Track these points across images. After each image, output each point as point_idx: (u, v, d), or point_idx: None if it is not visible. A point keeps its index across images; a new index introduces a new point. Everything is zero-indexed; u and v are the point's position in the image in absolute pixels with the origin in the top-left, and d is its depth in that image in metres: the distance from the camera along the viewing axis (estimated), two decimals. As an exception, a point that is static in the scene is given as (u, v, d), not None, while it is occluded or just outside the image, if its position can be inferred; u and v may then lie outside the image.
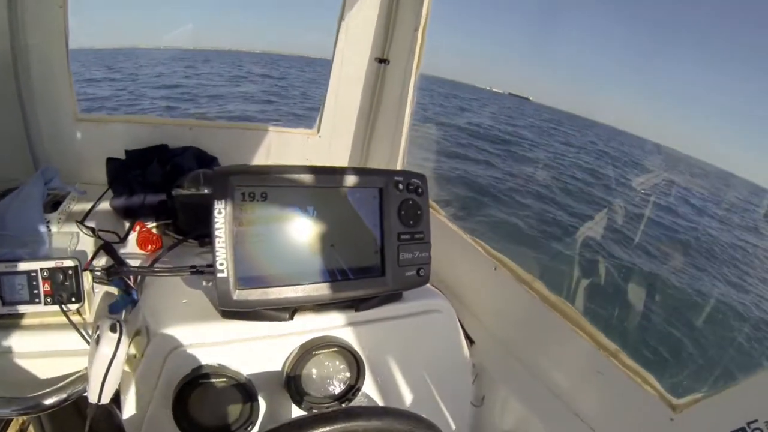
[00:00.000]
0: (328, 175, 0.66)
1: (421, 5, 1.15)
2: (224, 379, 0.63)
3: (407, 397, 0.81)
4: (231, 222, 0.59)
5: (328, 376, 0.71)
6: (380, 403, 0.78)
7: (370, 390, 0.77)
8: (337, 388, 0.72)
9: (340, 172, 0.67)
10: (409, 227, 0.70)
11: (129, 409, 0.63)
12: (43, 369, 0.75)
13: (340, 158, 1.52)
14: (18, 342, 0.74)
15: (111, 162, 1.21)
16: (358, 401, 0.72)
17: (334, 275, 0.66)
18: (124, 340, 0.63)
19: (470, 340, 0.95)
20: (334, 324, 0.72)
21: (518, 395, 0.85)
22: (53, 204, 1.05)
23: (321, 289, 0.65)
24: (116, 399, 0.69)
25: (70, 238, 1.01)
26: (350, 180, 0.67)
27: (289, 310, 0.67)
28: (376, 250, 0.69)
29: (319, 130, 1.50)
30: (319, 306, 0.71)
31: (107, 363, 0.61)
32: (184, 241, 0.95)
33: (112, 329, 0.63)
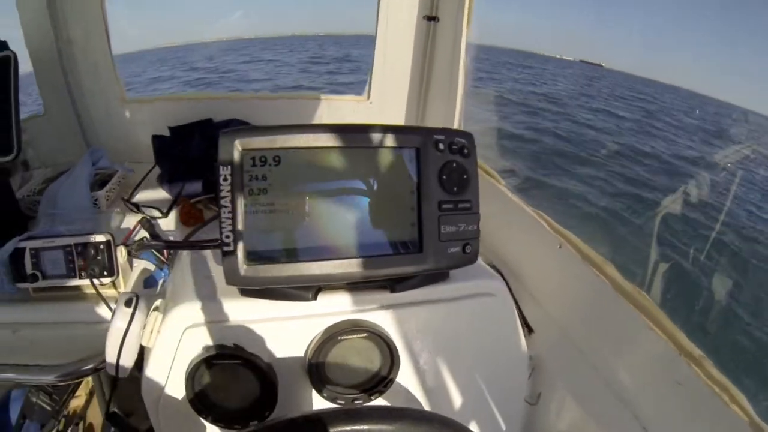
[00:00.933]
0: (352, 134, 0.55)
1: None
2: (240, 361, 0.57)
3: (450, 393, 0.71)
4: (238, 190, 0.52)
5: (356, 365, 0.62)
6: (417, 399, 0.68)
7: (405, 382, 0.67)
8: (366, 379, 0.63)
9: (368, 130, 0.56)
10: (453, 194, 0.58)
11: (147, 384, 0.60)
12: (81, 338, 0.76)
13: (394, 122, 1.42)
14: (58, 313, 0.75)
15: (156, 139, 1.21)
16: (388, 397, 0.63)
17: (361, 250, 0.56)
18: (139, 315, 0.59)
19: (529, 329, 0.81)
20: (365, 306, 0.62)
21: (579, 397, 0.70)
22: (101, 183, 1.07)
23: (345, 267, 0.55)
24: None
25: (115, 215, 1.03)
26: (380, 139, 0.56)
27: (311, 289, 0.59)
28: (412, 221, 0.57)
29: (369, 96, 1.40)
30: (347, 286, 0.62)
31: (121, 337, 0.57)
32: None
33: (127, 304, 0.59)
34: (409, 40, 1.26)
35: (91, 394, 1.44)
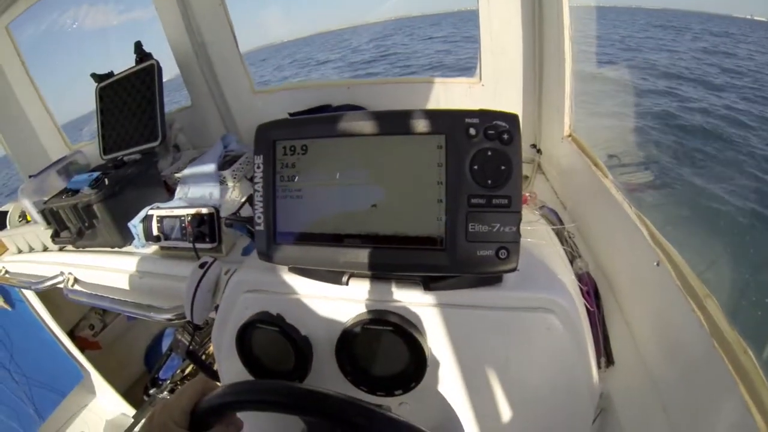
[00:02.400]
0: (377, 121, 0.53)
1: None
2: (278, 328, 0.63)
3: (486, 420, 0.63)
4: (270, 176, 0.56)
5: (382, 357, 0.61)
6: (447, 411, 0.63)
7: (434, 389, 0.63)
8: (392, 373, 0.61)
9: (393, 116, 0.53)
10: (486, 188, 0.51)
11: (215, 333, 0.71)
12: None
13: (509, 106, 1.31)
14: (171, 268, 0.94)
15: (277, 124, 1.37)
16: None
17: (383, 241, 0.55)
18: (210, 276, 0.70)
19: (609, 359, 0.67)
20: (397, 299, 0.60)
21: None
22: (230, 162, 1.27)
23: (364, 255, 0.55)
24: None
25: (235, 191, 1.21)
26: (406, 126, 0.52)
27: (342, 274, 0.60)
28: (438, 216, 0.53)
29: (481, 78, 1.32)
30: (380, 277, 0.61)
31: (193, 291, 0.69)
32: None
33: (201, 266, 0.70)
34: (516, 10, 1.13)
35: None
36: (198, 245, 0.92)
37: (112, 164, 1.27)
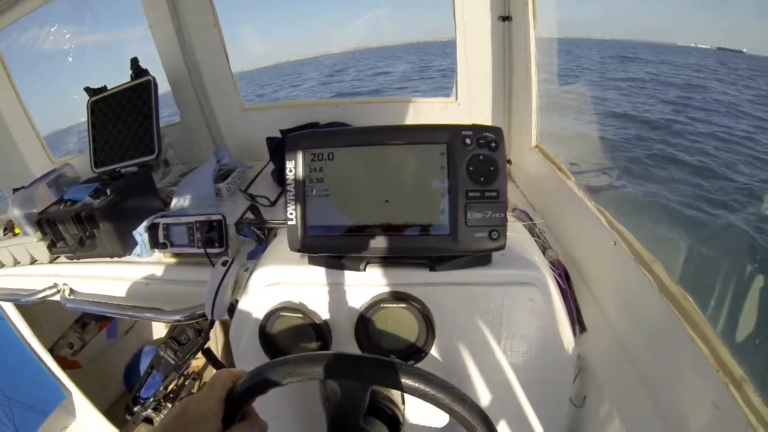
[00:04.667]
0: (392, 133, 0.66)
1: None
2: (301, 315, 0.72)
3: (486, 378, 0.75)
4: (301, 179, 0.66)
5: (396, 332, 0.72)
6: (452, 375, 0.74)
7: (441, 357, 0.74)
8: (405, 346, 0.72)
9: (404, 129, 0.66)
10: (480, 184, 0.64)
11: (234, 328, 0.78)
12: (193, 294, 0.99)
13: (482, 121, 1.46)
14: (179, 273, 1.00)
15: (269, 140, 1.46)
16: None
17: (398, 230, 0.66)
18: (232, 273, 0.78)
19: (581, 327, 0.80)
20: (408, 281, 0.72)
21: (621, 408, 0.68)
22: (224, 176, 1.35)
23: (383, 242, 0.66)
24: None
25: (232, 202, 1.29)
26: (414, 137, 0.65)
27: (361, 260, 0.71)
28: (443, 208, 0.65)
29: (457, 98, 1.48)
30: (392, 262, 0.72)
31: (216, 287, 0.76)
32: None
33: (223, 264, 0.78)
34: (487, 41, 1.30)
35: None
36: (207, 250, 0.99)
37: (108, 176, 1.31)
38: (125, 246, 1.15)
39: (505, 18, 1.23)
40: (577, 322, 0.81)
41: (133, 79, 1.38)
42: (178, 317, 0.93)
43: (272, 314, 0.74)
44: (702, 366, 0.56)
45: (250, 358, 0.79)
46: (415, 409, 0.79)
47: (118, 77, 1.45)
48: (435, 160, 0.65)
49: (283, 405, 0.84)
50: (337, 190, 0.67)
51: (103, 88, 1.44)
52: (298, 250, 0.69)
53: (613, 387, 0.72)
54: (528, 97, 1.16)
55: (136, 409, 1.79)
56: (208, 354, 1.06)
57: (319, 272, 0.74)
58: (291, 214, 0.67)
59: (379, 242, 0.66)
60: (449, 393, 0.51)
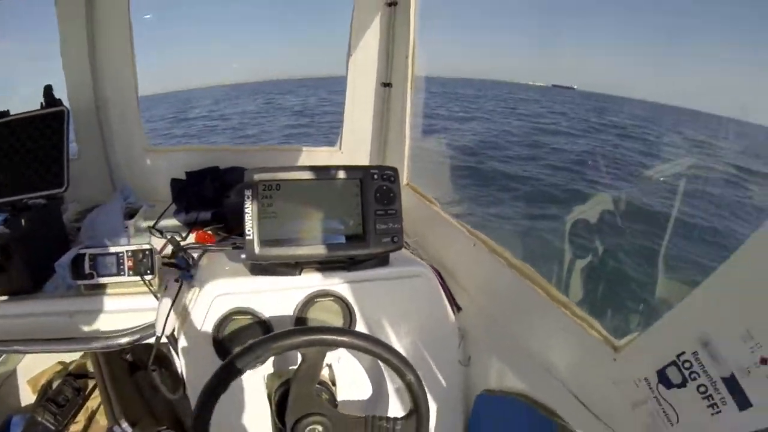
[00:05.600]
0: (323, 170, 0.93)
1: (409, 36, 1.42)
2: (250, 317, 0.89)
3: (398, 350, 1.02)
4: (256, 203, 0.87)
5: (327, 320, 0.95)
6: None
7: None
8: (334, 329, 0.95)
9: (331, 168, 0.94)
10: (384, 205, 0.94)
11: (182, 343, 0.91)
12: (121, 322, 1.01)
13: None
14: (105, 303, 1.01)
15: (174, 182, 1.55)
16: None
17: (328, 240, 0.91)
18: (184, 288, 0.91)
19: (457, 307, 1.14)
20: (333, 281, 0.96)
21: (499, 355, 0.98)
22: (130, 215, 1.38)
23: (318, 249, 0.91)
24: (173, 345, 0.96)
25: (143, 237, 1.34)
26: (339, 173, 0.93)
27: (298, 267, 0.93)
28: (359, 222, 0.93)
29: (341, 148, 1.77)
30: (321, 266, 0.96)
31: (170, 303, 0.88)
32: (231, 236, 1.24)
33: (176, 281, 0.91)
34: (370, 102, 1.67)
35: (89, 420, 1.63)
36: (134, 278, 1.05)
37: (10, 206, 1.21)
38: (36, 280, 1.10)
39: (387, 84, 1.62)
40: (454, 304, 1.14)
41: (43, 107, 1.32)
42: (126, 339, 0.96)
43: (225, 319, 0.89)
44: (547, 308, 0.85)
45: (201, 369, 0.84)
46: (345, 387, 1.01)
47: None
48: (353, 189, 0.93)
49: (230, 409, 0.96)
50: (283, 212, 0.89)
51: (5, 113, 1.33)
52: (254, 260, 0.88)
53: (488, 344, 1.03)
54: (402, 147, 1.54)
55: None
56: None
57: (262, 280, 0.93)
58: (249, 230, 0.86)
59: (315, 249, 0.90)
60: (385, 347, 0.77)
